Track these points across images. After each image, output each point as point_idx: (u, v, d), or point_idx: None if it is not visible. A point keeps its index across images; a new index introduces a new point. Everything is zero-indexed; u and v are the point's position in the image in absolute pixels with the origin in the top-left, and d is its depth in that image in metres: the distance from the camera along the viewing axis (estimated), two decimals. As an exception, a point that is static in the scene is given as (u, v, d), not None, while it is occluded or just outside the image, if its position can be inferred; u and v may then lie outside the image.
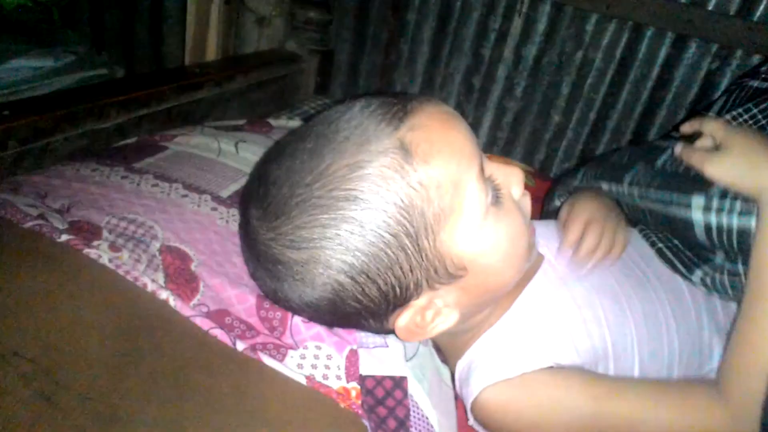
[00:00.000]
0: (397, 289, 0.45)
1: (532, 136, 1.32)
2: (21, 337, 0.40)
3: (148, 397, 0.40)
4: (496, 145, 1.35)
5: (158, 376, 0.42)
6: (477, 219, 0.46)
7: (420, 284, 0.46)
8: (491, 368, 0.53)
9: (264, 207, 0.45)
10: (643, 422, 0.53)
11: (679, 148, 0.61)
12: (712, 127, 0.60)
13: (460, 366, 0.56)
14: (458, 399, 0.58)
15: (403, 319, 0.47)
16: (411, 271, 0.45)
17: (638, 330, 0.60)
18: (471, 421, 0.55)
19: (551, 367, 0.54)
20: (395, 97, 0.47)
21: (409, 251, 0.44)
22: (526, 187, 1.14)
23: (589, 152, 1.28)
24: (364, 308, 0.46)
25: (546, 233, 0.68)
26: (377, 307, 0.46)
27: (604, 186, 0.71)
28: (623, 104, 1.22)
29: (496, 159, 1.20)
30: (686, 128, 0.65)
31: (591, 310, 0.59)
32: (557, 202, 0.82)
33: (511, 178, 0.51)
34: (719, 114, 0.74)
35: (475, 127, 1.35)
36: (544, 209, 0.87)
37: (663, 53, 1.14)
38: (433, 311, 0.48)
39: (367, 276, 0.44)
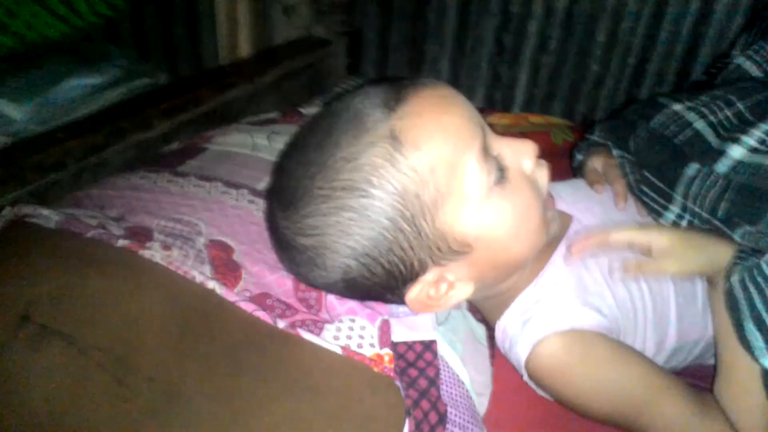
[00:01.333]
0: (401, 267, 0.48)
1: (571, 90, 1.29)
2: (95, 332, 0.46)
3: (206, 375, 0.46)
4: (533, 102, 1.33)
5: (212, 356, 0.47)
6: (477, 200, 0.48)
7: (424, 261, 0.49)
8: (541, 324, 0.55)
9: (280, 198, 0.50)
10: (678, 425, 0.53)
11: (625, 270, 0.60)
12: (630, 238, 0.58)
13: (502, 325, 0.58)
14: (496, 356, 0.61)
15: (412, 293, 0.50)
16: (412, 249, 0.48)
17: (675, 286, 0.61)
18: (525, 378, 0.57)
19: (606, 336, 0.55)
20: (392, 85, 0.49)
21: (407, 233, 0.47)
22: (564, 141, 1.13)
23: (632, 99, 1.24)
24: (376, 285, 0.49)
25: (574, 193, 0.68)
26: (387, 283, 0.49)
27: (615, 152, 0.71)
28: (663, 45, 1.17)
29: (534, 118, 1.19)
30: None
31: (624, 262, 0.60)
32: (579, 156, 0.82)
33: (522, 153, 0.51)
34: (744, 48, 0.72)
35: (510, 86, 1.33)
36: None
37: (701, -17, 1.08)
38: (446, 284, 0.51)
39: (370, 257, 0.47)
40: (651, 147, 0.66)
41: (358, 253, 0.47)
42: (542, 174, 0.53)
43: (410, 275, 0.49)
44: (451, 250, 0.49)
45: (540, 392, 0.57)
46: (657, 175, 0.64)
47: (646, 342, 0.60)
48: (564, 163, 0.92)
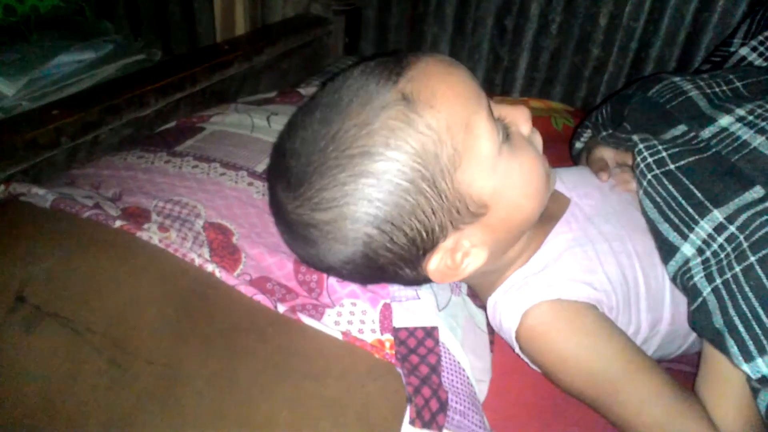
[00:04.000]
0: (423, 233, 0.48)
1: (571, 74, 1.28)
2: (91, 314, 0.46)
3: (204, 359, 0.45)
4: (533, 86, 1.32)
5: (211, 339, 0.46)
6: (491, 157, 0.48)
7: (445, 226, 0.48)
8: (531, 292, 0.55)
9: (287, 180, 0.49)
10: (650, 413, 0.52)
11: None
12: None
13: (492, 300, 0.58)
14: (495, 343, 0.61)
15: (433, 263, 0.50)
16: (434, 213, 0.47)
17: None
18: (517, 350, 0.57)
19: (594, 307, 0.55)
20: (391, 56, 0.49)
21: (428, 194, 0.46)
22: (564, 127, 1.13)
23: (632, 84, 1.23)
24: (397, 256, 0.49)
25: (573, 179, 0.68)
26: (408, 254, 0.49)
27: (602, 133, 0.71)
28: (665, 30, 1.15)
29: (534, 102, 1.18)
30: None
31: (620, 242, 0.61)
32: (578, 145, 0.82)
33: (519, 117, 0.53)
34: (744, 40, 0.72)
35: (510, 70, 1.32)
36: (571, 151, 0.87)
37: (705, -31, 1.07)
38: (462, 252, 0.51)
39: (393, 224, 0.46)
40: (642, 110, 0.67)
41: (380, 220, 0.46)
42: (536, 137, 0.55)
43: (431, 242, 0.49)
44: (468, 212, 0.49)
45: (531, 365, 0.58)
46: (648, 133, 0.64)
47: (641, 321, 0.60)
48: (565, 149, 0.91)
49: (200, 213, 0.57)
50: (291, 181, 0.48)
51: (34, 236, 0.51)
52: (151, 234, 0.52)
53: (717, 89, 0.64)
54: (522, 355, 0.58)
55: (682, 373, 0.64)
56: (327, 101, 0.48)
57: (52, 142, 0.65)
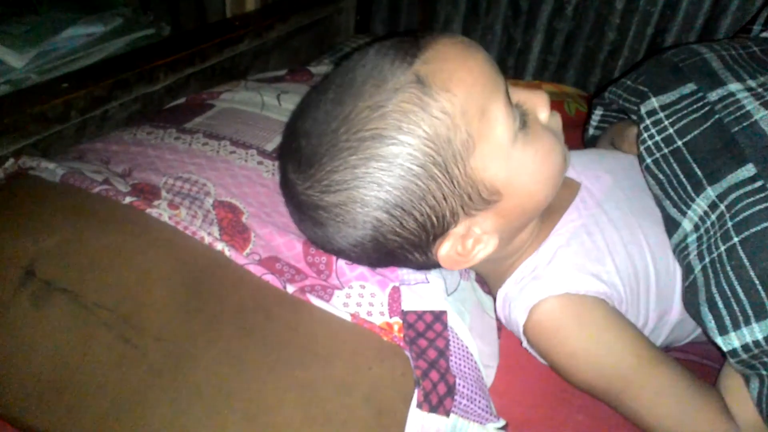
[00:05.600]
0: (434, 219, 0.47)
1: (586, 58, 1.26)
2: (100, 290, 0.45)
3: (212, 337, 0.45)
4: (546, 70, 1.30)
5: (220, 318, 0.46)
6: (506, 144, 0.47)
7: (456, 212, 0.48)
8: (538, 287, 0.55)
9: (297, 160, 0.48)
10: (663, 405, 0.52)
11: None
12: None
13: (503, 292, 0.58)
14: (502, 329, 0.61)
15: (444, 249, 0.50)
16: (444, 199, 0.46)
17: None
18: (524, 344, 0.57)
19: (603, 300, 0.55)
20: (407, 36, 0.48)
21: (439, 180, 0.45)
22: (578, 112, 1.12)
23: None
24: (406, 241, 0.48)
25: (584, 162, 0.67)
26: (417, 239, 0.48)
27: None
28: (683, 15, 1.13)
29: (547, 86, 1.17)
30: None
31: (629, 230, 0.60)
32: (592, 132, 0.80)
33: (537, 102, 0.52)
34: (765, 27, 0.71)
35: (524, 52, 1.30)
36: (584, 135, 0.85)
37: (726, -47, 1.04)
38: (473, 239, 0.50)
39: (402, 209, 0.46)
40: (656, 69, 0.66)
41: (389, 204, 0.46)
42: (556, 120, 0.54)
43: (441, 228, 0.48)
44: (481, 199, 0.48)
45: (540, 359, 0.57)
46: (655, 88, 0.64)
47: (649, 312, 0.59)
48: (576, 135, 0.90)
49: (210, 191, 0.57)
50: (301, 161, 0.48)
51: (43, 211, 0.50)
52: (161, 211, 0.52)
53: (734, 52, 0.64)
54: (530, 350, 0.57)
55: (689, 363, 0.64)
56: (340, 81, 0.47)
57: (62, 116, 0.65)
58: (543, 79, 1.29)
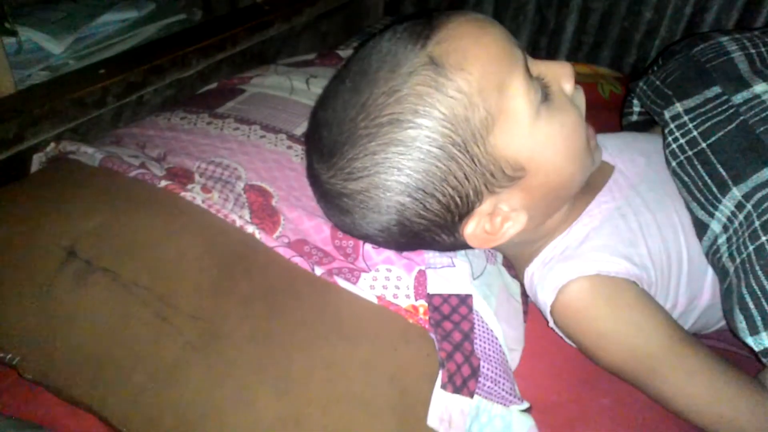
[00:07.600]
0: (457, 199, 0.47)
1: (621, 38, 1.22)
2: (137, 270, 0.47)
3: (243, 317, 0.47)
4: (580, 50, 1.27)
5: (251, 298, 0.48)
6: (528, 118, 0.47)
7: (479, 190, 0.48)
8: (569, 267, 0.54)
9: (320, 150, 0.49)
10: (694, 386, 0.50)
11: None
12: None
13: (530, 271, 0.58)
14: (528, 313, 0.61)
15: (470, 228, 0.50)
16: (466, 178, 0.47)
17: None
18: (551, 324, 0.57)
19: (634, 283, 0.54)
20: (420, 18, 0.47)
21: (460, 160, 0.46)
22: (612, 94, 1.09)
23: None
24: (431, 223, 0.49)
25: (617, 144, 0.66)
26: (443, 220, 0.49)
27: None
28: (724, -8, 1.09)
29: (580, 67, 1.14)
30: None
31: (664, 213, 0.59)
32: (635, 118, 0.79)
33: (561, 74, 0.51)
34: None
35: (557, 32, 1.27)
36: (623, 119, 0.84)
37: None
38: (501, 217, 0.50)
39: (424, 191, 0.46)
40: (682, 69, 0.65)
41: (411, 188, 0.46)
42: (580, 96, 0.53)
43: (466, 208, 0.48)
44: (504, 176, 0.48)
45: (566, 340, 0.57)
46: (680, 92, 0.63)
47: (678, 297, 0.59)
48: (611, 117, 0.88)
49: (241, 175, 0.58)
50: (324, 151, 0.49)
51: (84, 194, 0.53)
52: (194, 194, 0.53)
53: (763, 49, 0.62)
54: (556, 330, 0.57)
55: (720, 349, 0.63)
56: (357, 69, 0.48)
57: (99, 101, 0.67)
58: (577, 60, 1.26)
